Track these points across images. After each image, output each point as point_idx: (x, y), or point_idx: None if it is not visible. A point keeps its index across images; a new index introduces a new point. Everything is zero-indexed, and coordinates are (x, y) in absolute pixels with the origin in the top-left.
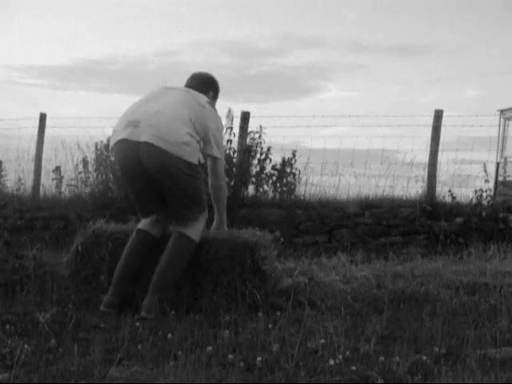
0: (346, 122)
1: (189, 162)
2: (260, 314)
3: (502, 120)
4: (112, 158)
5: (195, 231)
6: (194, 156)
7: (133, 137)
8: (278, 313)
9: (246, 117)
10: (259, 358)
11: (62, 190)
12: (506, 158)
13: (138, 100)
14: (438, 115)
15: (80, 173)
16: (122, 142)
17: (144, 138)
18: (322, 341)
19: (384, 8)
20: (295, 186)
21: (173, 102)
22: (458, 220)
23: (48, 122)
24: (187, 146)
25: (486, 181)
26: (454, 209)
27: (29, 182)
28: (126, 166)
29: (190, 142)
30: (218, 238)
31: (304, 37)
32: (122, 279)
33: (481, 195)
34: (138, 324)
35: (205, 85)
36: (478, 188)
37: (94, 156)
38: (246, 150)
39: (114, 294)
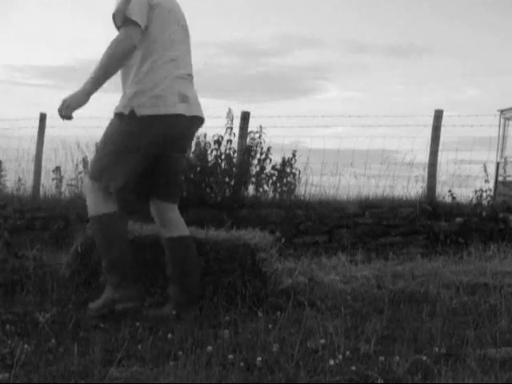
0: (346, 122)
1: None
2: (260, 313)
3: (502, 120)
4: None
5: (185, 225)
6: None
7: (188, 112)
8: (278, 313)
9: (245, 117)
10: (259, 358)
11: (62, 190)
12: (505, 158)
13: (173, 52)
14: (438, 115)
15: (80, 173)
16: (180, 118)
17: (195, 113)
18: (322, 341)
19: (384, 8)
20: (295, 186)
21: (190, 61)
22: (458, 220)
23: (48, 122)
24: None
25: (486, 181)
26: (454, 209)
27: (29, 182)
28: (171, 140)
29: None
30: (218, 240)
31: (304, 37)
32: (123, 266)
33: (481, 195)
34: (137, 324)
35: None
36: (478, 188)
37: None
38: (246, 150)
39: (126, 286)
